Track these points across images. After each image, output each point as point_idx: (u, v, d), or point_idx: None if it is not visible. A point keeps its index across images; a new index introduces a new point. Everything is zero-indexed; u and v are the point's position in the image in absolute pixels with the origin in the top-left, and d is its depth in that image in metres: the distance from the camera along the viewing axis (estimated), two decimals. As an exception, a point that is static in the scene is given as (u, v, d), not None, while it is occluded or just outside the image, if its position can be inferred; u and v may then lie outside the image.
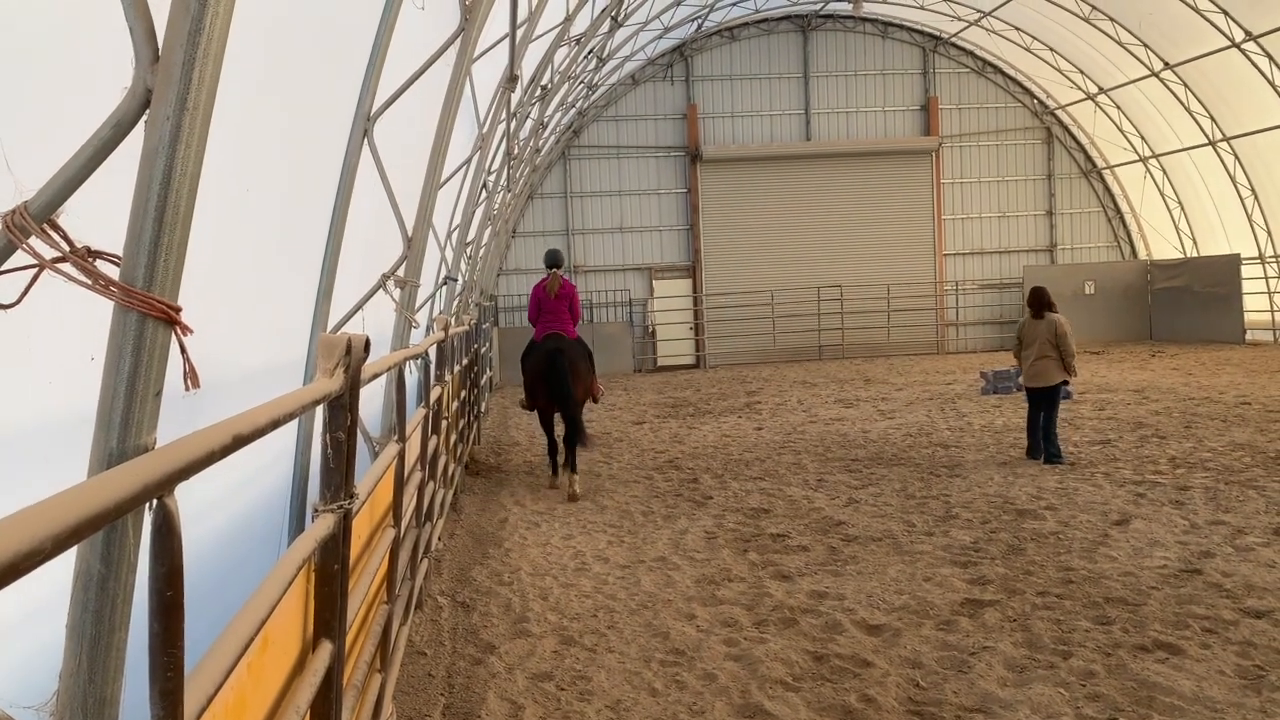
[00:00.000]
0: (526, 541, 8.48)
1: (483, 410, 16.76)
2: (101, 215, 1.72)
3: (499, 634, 6.14)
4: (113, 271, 1.54)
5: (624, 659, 5.60)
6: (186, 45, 1.50)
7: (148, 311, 1.51)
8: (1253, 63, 22.00)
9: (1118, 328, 27.73)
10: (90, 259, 1.51)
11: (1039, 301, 10.83)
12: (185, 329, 1.61)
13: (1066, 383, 10.89)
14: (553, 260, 11.14)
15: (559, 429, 11.05)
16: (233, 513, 3.86)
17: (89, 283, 1.50)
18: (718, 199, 28.31)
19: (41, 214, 1.52)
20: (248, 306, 4.08)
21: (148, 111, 1.55)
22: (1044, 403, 10.80)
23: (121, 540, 1.52)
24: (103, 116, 1.57)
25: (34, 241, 1.50)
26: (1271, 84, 21.93)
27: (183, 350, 1.66)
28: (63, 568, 1.43)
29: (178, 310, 1.56)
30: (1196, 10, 21.86)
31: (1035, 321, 10.79)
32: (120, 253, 1.55)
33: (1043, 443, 10.86)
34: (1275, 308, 24.52)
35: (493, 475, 11.98)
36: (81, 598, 1.52)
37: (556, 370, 10.24)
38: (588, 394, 10.88)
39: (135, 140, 1.57)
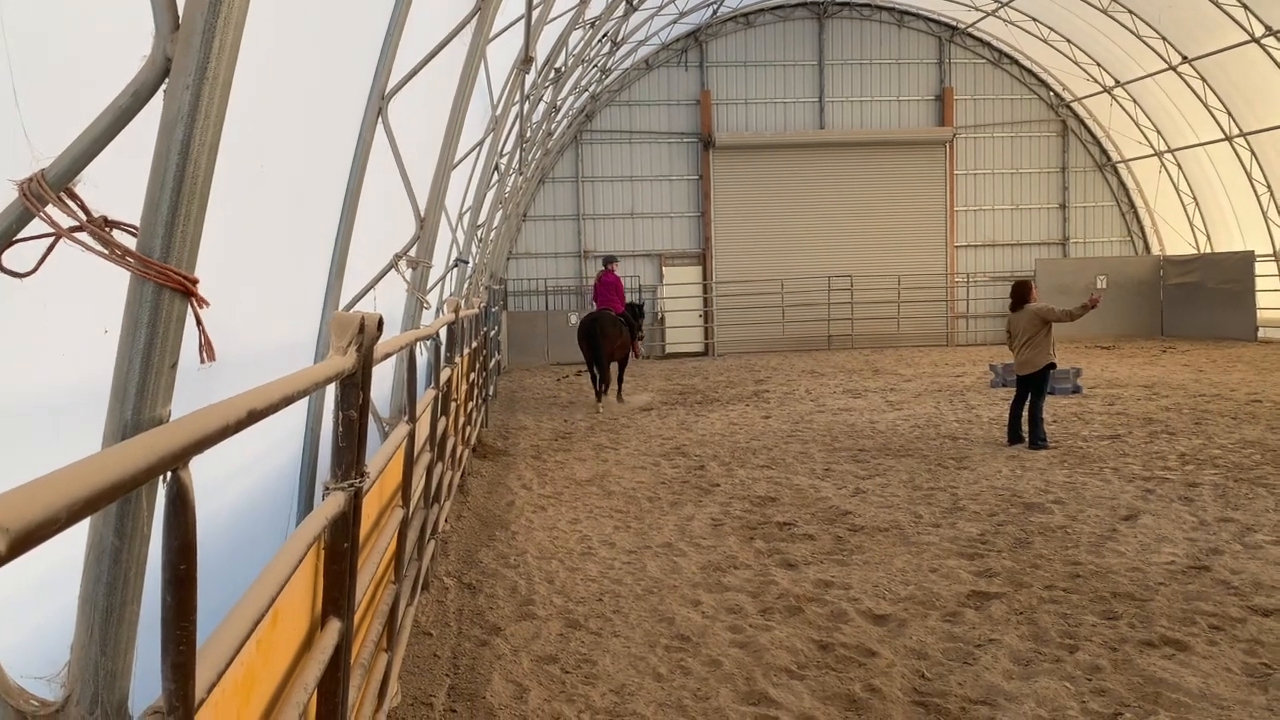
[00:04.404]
0: (533, 525, 8.49)
1: (491, 394, 16.77)
2: (119, 185, 1.71)
3: (505, 616, 6.15)
4: (130, 242, 1.53)
5: (629, 644, 5.61)
6: (207, 14, 1.49)
7: (164, 282, 1.50)
8: (1272, 58, 21.81)
9: (1129, 323, 27.59)
10: (107, 229, 1.50)
11: (1018, 295, 11.63)
12: (202, 301, 1.59)
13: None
14: (604, 261, 17.33)
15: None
16: (242, 490, 3.86)
17: (105, 252, 1.49)
18: (730, 186, 28.20)
19: (59, 182, 1.51)
20: (258, 283, 4.07)
21: (167, 81, 1.53)
22: (1032, 388, 11.37)
23: (135, 512, 1.51)
24: (121, 85, 1.56)
25: (51, 210, 1.48)
26: (1290, 80, 21.77)
27: (199, 322, 1.65)
28: (75, 539, 1.42)
29: (195, 282, 1.55)
30: (1216, 4, 21.67)
31: (1018, 314, 11.51)
32: (137, 223, 1.54)
33: (1029, 428, 11.33)
34: (1288, 306, 24.40)
35: (500, 459, 12.00)
36: (94, 569, 1.51)
37: (593, 334, 15.82)
38: (617, 350, 16.22)
39: (154, 109, 1.56)
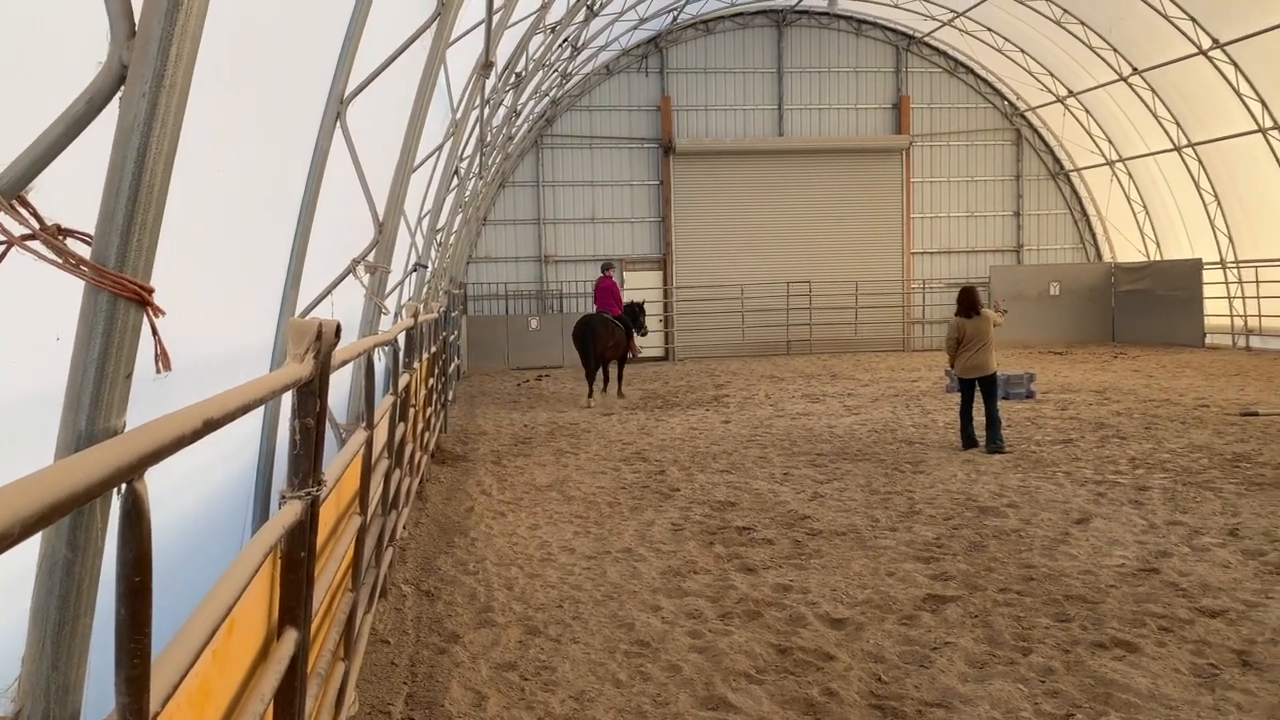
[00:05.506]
0: (492, 531, 8.45)
1: (450, 399, 16.69)
2: (73, 193, 1.69)
3: (463, 623, 6.12)
4: (84, 250, 1.51)
5: (589, 650, 5.60)
6: (164, 21, 1.47)
7: (119, 292, 1.49)
8: (1219, 70, 22.31)
9: (1081, 329, 28.07)
10: (61, 237, 1.48)
11: (970, 301, 11.79)
12: (158, 310, 1.58)
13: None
14: (602, 267, 18.88)
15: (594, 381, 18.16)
16: (195, 499, 3.81)
17: (59, 261, 1.47)
18: (690, 192, 28.31)
19: (11, 190, 1.48)
20: (214, 289, 4.02)
21: (122, 88, 1.52)
22: (985, 391, 11.63)
23: (89, 524, 1.50)
24: (76, 91, 1.54)
25: (2, 217, 1.46)
26: (1236, 92, 22.25)
27: (154, 332, 1.63)
28: (26, 551, 1.40)
29: (150, 291, 1.54)
30: (1165, 17, 22.13)
31: (973, 319, 11.69)
32: (92, 231, 1.52)
33: (988, 430, 11.54)
34: (1235, 312, 24.94)
35: (459, 464, 11.93)
36: (46, 582, 1.49)
37: (584, 335, 17.26)
38: (609, 350, 17.51)
39: (110, 117, 1.54)
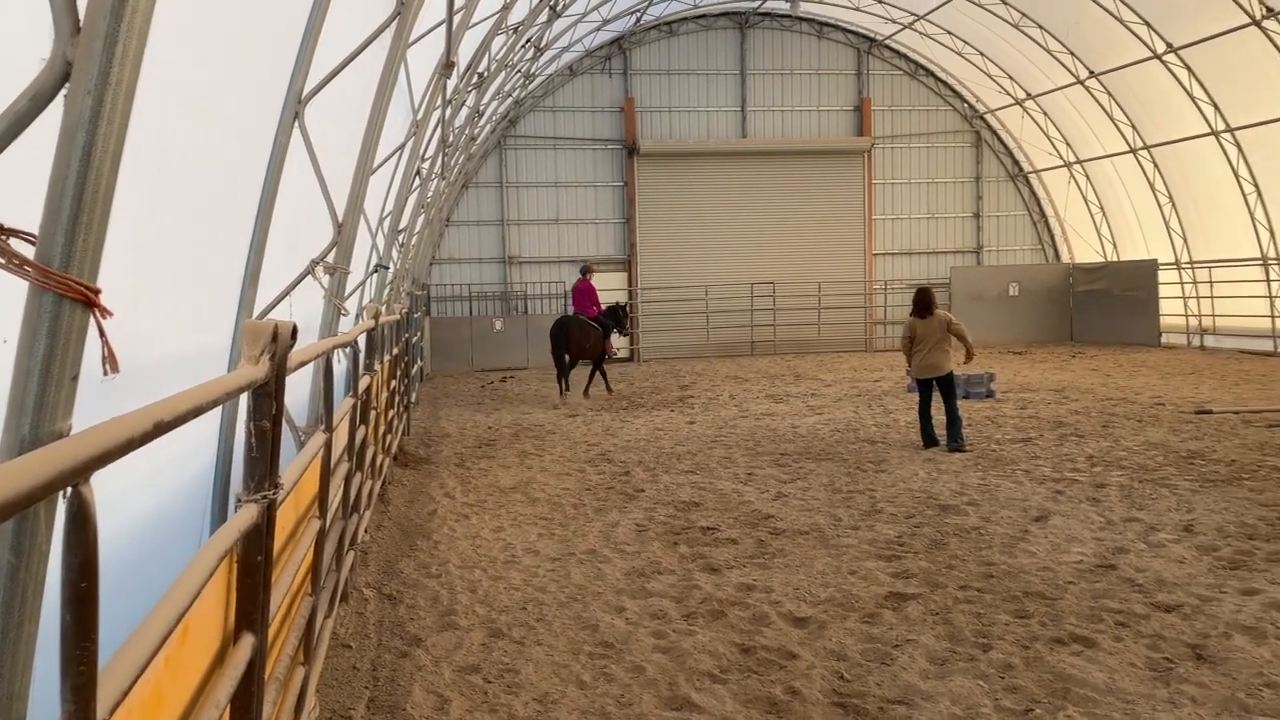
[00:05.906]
0: (455, 534, 8.41)
1: (413, 401, 16.57)
2: (16, 192, 1.65)
3: (426, 626, 6.08)
4: (28, 251, 1.48)
5: (552, 651, 5.59)
6: (109, 18, 1.45)
7: (65, 293, 1.46)
8: (1173, 74, 22.69)
9: (1040, 329, 28.42)
10: (4, 237, 1.45)
11: (928, 302, 11.83)
12: (105, 311, 1.55)
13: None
14: (580, 270, 19.23)
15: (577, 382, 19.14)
16: (152, 501, 3.76)
17: (2, 262, 1.44)
18: (654, 193, 28.34)
19: (-48, 189, 1.45)
20: (170, 290, 3.97)
21: (67, 85, 1.49)
22: (942, 391, 11.72)
23: (33, 529, 1.47)
24: (18, 89, 1.51)
25: (-57, 217, 1.43)
26: (1190, 95, 22.64)
27: (101, 333, 1.60)
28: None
29: (97, 292, 1.51)
30: (1121, 21, 22.47)
31: (925, 320, 11.72)
32: (36, 232, 1.49)
33: (949, 429, 11.62)
34: (1189, 312, 25.37)
35: (422, 467, 11.86)
36: (-11, 589, 1.46)
37: (558, 335, 17.86)
38: (583, 351, 18.08)
39: (54, 114, 1.51)
